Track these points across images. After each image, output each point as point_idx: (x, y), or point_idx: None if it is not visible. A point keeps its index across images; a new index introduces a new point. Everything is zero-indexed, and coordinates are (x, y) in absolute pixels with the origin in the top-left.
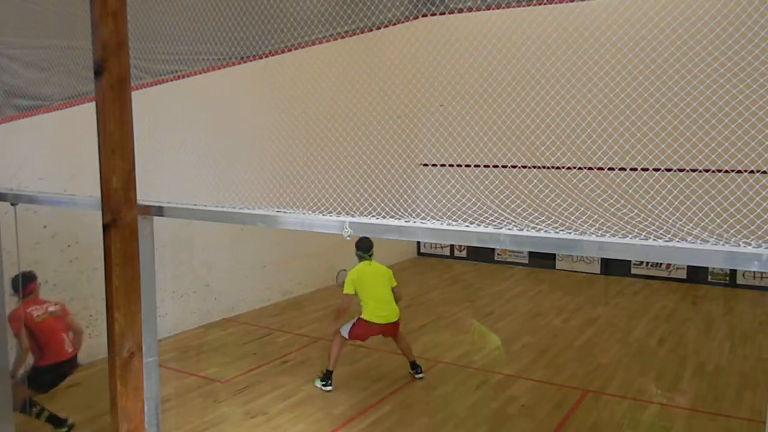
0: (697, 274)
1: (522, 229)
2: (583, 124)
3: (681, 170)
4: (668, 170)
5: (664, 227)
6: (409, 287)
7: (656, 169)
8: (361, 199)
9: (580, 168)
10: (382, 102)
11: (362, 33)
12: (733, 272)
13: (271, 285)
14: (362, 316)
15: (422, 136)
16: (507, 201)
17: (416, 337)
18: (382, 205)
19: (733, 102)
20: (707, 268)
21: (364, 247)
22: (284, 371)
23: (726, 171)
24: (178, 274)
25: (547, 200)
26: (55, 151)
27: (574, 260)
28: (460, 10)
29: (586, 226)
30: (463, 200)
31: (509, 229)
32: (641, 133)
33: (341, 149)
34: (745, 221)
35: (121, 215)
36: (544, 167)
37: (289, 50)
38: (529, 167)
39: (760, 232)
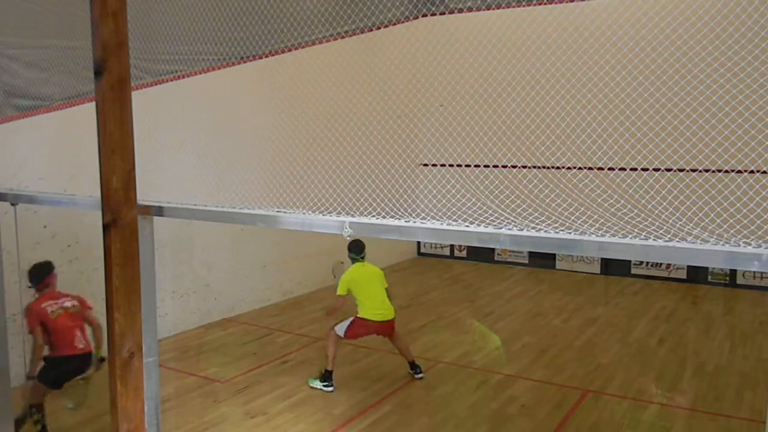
0: (697, 274)
1: (522, 229)
2: (583, 124)
3: (681, 170)
4: (668, 170)
5: (664, 227)
6: (409, 287)
7: (656, 169)
8: (361, 199)
9: (580, 168)
10: (382, 102)
11: (362, 33)
12: (733, 272)
13: (271, 285)
14: (359, 315)
15: (422, 136)
16: (507, 201)
17: (416, 337)
18: (382, 205)
19: (733, 102)
20: (707, 268)
21: (357, 250)
22: (284, 371)
23: (726, 171)
24: (178, 274)
25: (547, 200)
26: (55, 151)
27: (574, 260)
28: (460, 10)
29: (586, 226)
30: (463, 200)
31: (509, 229)
32: (641, 133)
33: (341, 149)
34: (745, 221)
35: (121, 215)
36: (544, 167)
37: (289, 50)
38: (529, 167)
39: (760, 232)
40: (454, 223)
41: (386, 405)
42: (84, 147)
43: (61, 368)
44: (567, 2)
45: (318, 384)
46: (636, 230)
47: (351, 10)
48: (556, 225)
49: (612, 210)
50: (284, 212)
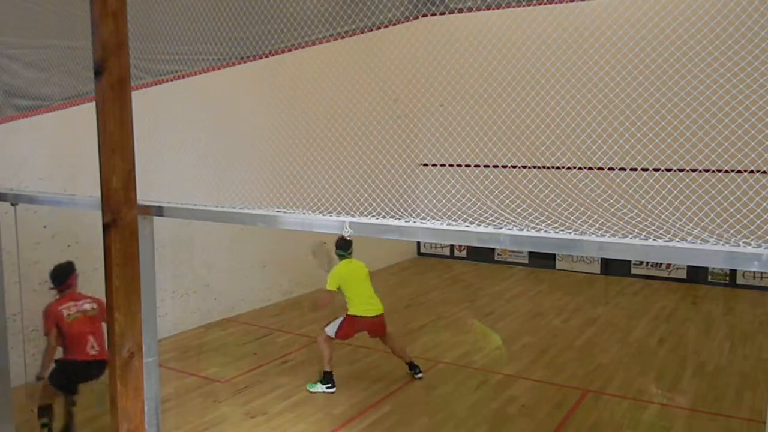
0: (697, 274)
1: (522, 229)
2: (583, 124)
3: (681, 170)
4: (668, 170)
5: (664, 227)
6: (409, 287)
7: (656, 169)
8: (361, 199)
9: (580, 168)
10: (382, 102)
11: (362, 33)
12: (733, 272)
13: (271, 285)
14: (349, 313)
15: (422, 136)
16: (507, 201)
17: (416, 337)
18: (382, 205)
19: (733, 102)
20: (707, 268)
21: (344, 246)
22: (284, 371)
23: (726, 171)
24: (178, 274)
25: (547, 200)
26: (55, 151)
27: (574, 260)
28: (460, 10)
29: (586, 226)
30: (463, 200)
31: (509, 229)
32: (641, 133)
33: (341, 149)
34: (745, 221)
35: (121, 215)
36: (544, 167)
37: (289, 50)
38: (529, 167)
39: (760, 232)
40: (454, 223)
41: (386, 405)
42: (84, 147)
43: (70, 372)
44: (567, 2)
45: (320, 388)
46: (636, 230)
47: (351, 10)
48: (556, 225)
49: (612, 210)
50: (284, 212)
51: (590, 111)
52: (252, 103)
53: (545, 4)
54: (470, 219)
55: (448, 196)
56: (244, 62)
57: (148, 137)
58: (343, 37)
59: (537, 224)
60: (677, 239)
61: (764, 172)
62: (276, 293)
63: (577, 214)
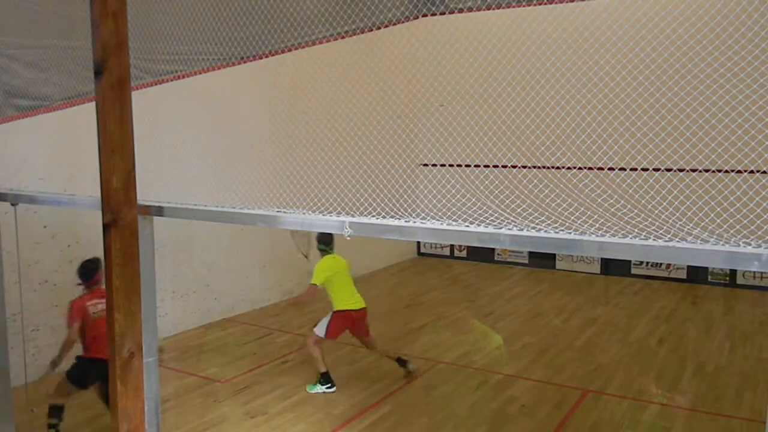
0: (697, 274)
1: (522, 229)
2: (583, 124)
3: (681, 170)
4: (668, 170)
5: (664, 227)
6: (409, 287)
7: (656, 169)
8: (361, 199)
9: (580, 168)
10: (382, 102)
11: (362, 33)
12: (733, 272)
13: (271, 285)
14: (336, 309)
15: (422, 136)
16: (507, 201)
17: (416, 337)
18: (382, 205)
19: (733, 102)
20: (707, 268)
21: (327, 240)
22: (284, 371)
23: (726, 171)
24: (178, 274)
25: (547, 200)
26: (55, 151)
27: (574, 260)
28: (460, 10)
29: (586, 226)
30: (463, 200)
31: (509, 229)
32: (641, 133)
33: (341, 149)
34: (745, 221)
35: (121, 215)
36: (544, 167)
37: (289, 50)
38: (529, 167)
39: (760, 232)
40: (454, 223)
41: (386, 405)
42: (84, 147)
43: (89, 370)
44: (567, 2)
45: (319, 389)
46: (636, 230)
47: (351, 10)
48: (556, 225)
49: (612, 210)
50: (284, 212)
51: (590, 111)
52: (252, 103)
53: (545, 4)
54: (470, 219)
55: (448, 196)
56: (244, 62)
57: (148, 137)
58: (343, 37)
59: (537, 224)
60: (677, 239)
61: (764, 172)
62: (276, 293)
63: (577, 214)
